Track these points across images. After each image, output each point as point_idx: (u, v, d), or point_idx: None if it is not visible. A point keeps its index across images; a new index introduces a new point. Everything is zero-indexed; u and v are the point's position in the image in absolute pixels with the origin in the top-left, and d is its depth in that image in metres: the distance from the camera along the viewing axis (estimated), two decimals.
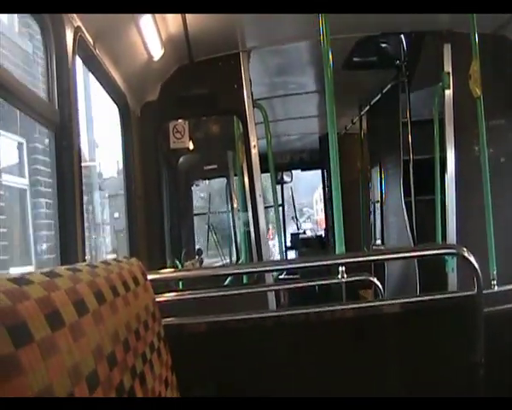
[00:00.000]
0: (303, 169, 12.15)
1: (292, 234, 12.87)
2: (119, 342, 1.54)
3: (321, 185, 11.74)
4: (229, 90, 4.90)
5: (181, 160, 7.57)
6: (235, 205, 7.71)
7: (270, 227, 11.10)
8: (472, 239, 4.28)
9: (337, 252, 3.49)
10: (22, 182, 11.16)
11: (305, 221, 15.31)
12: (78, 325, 1.27)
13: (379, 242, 7.61)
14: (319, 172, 11.48)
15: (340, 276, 3.38)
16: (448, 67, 4.87)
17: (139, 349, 1.73)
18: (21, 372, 0.97)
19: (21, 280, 1.14)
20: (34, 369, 1.01)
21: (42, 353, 1.06)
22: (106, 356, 1.39)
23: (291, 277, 8.20)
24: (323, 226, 12.85)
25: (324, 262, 3.38)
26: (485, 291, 2.91)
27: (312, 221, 25.24)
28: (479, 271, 2.79)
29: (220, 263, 9.60)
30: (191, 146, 5.58)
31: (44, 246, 11.17)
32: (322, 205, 13.92)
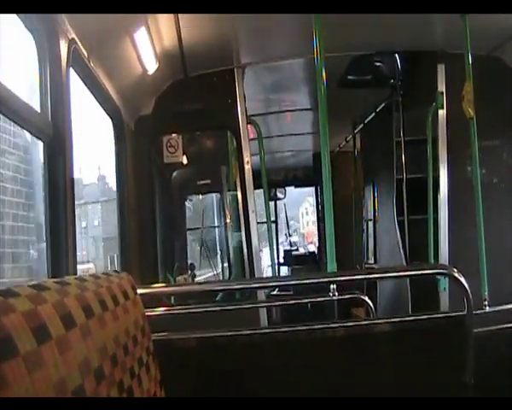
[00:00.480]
0: (296, 186, 12.18)
1: (285, 250, 12.89)
2: (106, 357, 1.52)
3: (306, 200, 11.86)
4: (223, 106, 4.91)
5: (174, 174, 7.54)
6: (227, 220, 7.69)
7: None
8: (464, 259, 4.28)
9: (328, 270, 3.48)
10: None
11: (291, 234, 15.39)
12: (65, 338, 1.26)
13: (371, 260, 7.61)
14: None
15: (331, 294, 3.37)
16: (442, 87, 4.90)
17: (127, 364, 1.72)
18: (6, 386, 0.96)
19: (8, 292, 1.13)
20: (19, 383, 1.00)
21: (27, 366, 1.04)
22: (93, 370, 1.37)
23: (283, 293, 8.19)
24: (310, 240, 12.90)
25: (316, 280, 3.37)
26: (476, 312, 2.91)
27: (299, 234, 25.44)
28: (469, 291, 2.78)
29: (211, 274, 9.60)
30: (185, 160, 5.58)
31: None
32: (307, 218, 14.06)
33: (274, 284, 3.81)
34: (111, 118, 4.26)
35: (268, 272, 8.73)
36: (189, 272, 8.25)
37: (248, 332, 2.93)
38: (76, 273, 2.82)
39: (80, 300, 1.45)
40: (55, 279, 1.48)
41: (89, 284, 1.63)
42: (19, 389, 0.99)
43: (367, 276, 3.82)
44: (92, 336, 1.44)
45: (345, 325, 3.00)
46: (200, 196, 10.98)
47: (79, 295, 1.47)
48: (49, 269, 2.74)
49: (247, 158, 4.85)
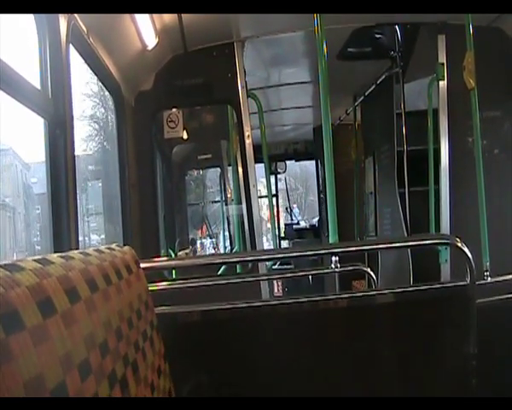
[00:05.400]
0: (297, 160, 12.18)
1: (286, 224, 12.90)
2: (111, 331, 1.54)
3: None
4: (223, 80, 4.89)
5: (175, 149, 7.57)
6: (228, 195, 7.71)
7: None
8: (465, 230, 4.29)
9: (330, 241, 3.49)
10: None
11: (292, 208, 15.34)
12: (71, 312, 1.27)
13: (372, 233, 7.62)
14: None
15: (333, 266, 3.38)
16: (442, 59, 4.87)
17: (132, 338, 1.73)
18: (12, 359, 0.97)
19: (13, 267, 1.13)
20: (25, 356, 1.01)
21: (33, 340, 1.05)
22: (98, 344, 1.39)
23: (284, 267, 8.22)
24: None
25: (317, 251, 3.38)
26: (477, 282, 2.92)
27: None
28: (472, 261, 2.79)
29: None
30: (185, 135, 5.58)
31: None
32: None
33: (276, 256, 3.81)
34: (111, 94, 4.25)
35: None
36: (191, 247, 8.30)
37: (251, 305, 2.95)
38: (78, 248, 2.83)
39: (84, 274, 1.46)
40: (60, 254, 1.49)
41: (92, 259, 1.64)
42: (25, 363, 1.01)
43: (369, 247, 3.83)
44: (97, 310, 1.45)
45: (348, 296, 3.02)
46: (201, 171, 11.00)
47: (84, 269, 1.48)
48: (52, 244, 2.76)
49: (247, 132, 4.84)
